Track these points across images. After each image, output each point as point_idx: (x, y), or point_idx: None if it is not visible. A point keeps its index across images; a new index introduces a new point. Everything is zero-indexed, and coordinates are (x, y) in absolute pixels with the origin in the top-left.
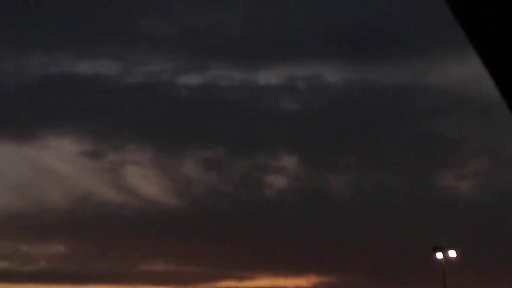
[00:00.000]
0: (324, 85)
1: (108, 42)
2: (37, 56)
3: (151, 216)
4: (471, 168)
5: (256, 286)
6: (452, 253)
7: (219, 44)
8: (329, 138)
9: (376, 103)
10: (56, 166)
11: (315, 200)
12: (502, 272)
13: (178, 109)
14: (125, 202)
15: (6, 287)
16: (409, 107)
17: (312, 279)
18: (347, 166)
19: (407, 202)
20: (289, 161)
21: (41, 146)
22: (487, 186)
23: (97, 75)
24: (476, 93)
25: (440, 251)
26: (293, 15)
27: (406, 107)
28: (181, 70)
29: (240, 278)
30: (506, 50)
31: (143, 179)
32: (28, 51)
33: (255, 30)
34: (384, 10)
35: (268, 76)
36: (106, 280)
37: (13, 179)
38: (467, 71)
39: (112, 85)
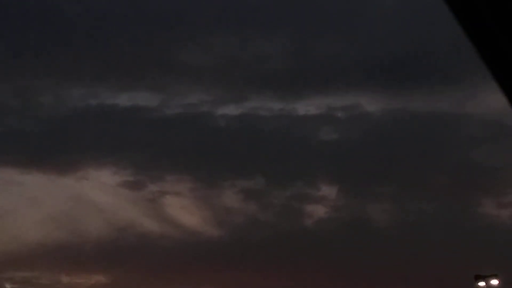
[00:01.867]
0: (363, 115)
1: (147, 74)
2: (77, 88)
3: (191, 246)
4: None
5: None
6: (494, 282)
7: (257, 75)
8: (368, 167)
9: (415, 132)
10: (96, 197)
11: (355, 229)
12: None
13: (217, 139)
14: (165, 233)
15: None
16: (448, 135)
17: None
18: (387, 195)
19: (448, 231)
20: (328, 191)
21: (81, 178)
22: None
23: (137, 107)
24: None
25: (482, 280)
26: (331, 45)
27: (445, 136)
28: (220, 101)
29: None
30: None
31: (183, 209)
32: (68, 84)
33: (294, 60)
34: (422, 39)
35: (307, 106)
36: None
37: (53, 210)
38: (506, 99)
39: (152, 116)
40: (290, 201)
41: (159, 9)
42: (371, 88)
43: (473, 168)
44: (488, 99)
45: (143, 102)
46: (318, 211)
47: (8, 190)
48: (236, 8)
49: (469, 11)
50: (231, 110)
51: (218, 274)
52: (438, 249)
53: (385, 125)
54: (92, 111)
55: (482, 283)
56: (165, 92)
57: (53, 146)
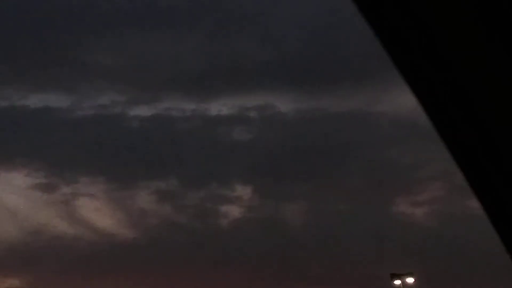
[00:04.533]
0: (276, 115)
1: (58, 75)
2: None
3: (105, 248)
4: (426, 195)
5: None
6: (410, 280)
7: (170, 76)
8: (283, 167)
9: (329, 132)
10: (8, 200)
11: (270, 229)
12: None
13: (130, 141)
14: (78, 235)
15: None
16: (362, 135)
17: None
18: (302, 195)
19: (363, 230)
20: (243, 191)
21: None
22: (442, 212)
23: (48, 108)
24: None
25: (398, 278)
26: (244, 46)
27: (359, 135)
28: (133, 102)
29: None
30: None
31: (97, 211)
32: None
33: (206, 61)
34: (333, 38)
35: (220, 107)
36: None
37: None
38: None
39: (63, 118)
40: (204, 202)
41: (69, 10)
42: (284, 88)
43: (386, 167)
44: (400, 98)
45: (55, 103)
46: (233, 211)
47: None
48: (148, 9)
49: (374, 8)
50: (144, 111)
51: (132, 275)
52: (353, 248)
53: (298, 125)
54: (2, 112)
55: (397, 282)
56: (76, 93)
57: None
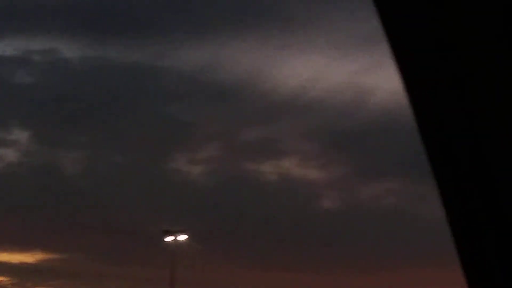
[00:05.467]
0: (61, 60)
1: None
2: None
3: None
4: (204, 153)
5: None
6: (182, 237)
7: None
8: (63, 114)
9: (112, 82)
10: None
11: (45, 176)
12: (231, 253)
13: None
14: None
15: None
16: (145, 88)
17: (38, 256)
18: (81, 144)
19: (139, 185)
20: (21, 135)
21: None
22: (218, 171)
23: None
24: (212, 78)
25: (170, 235)
26: None
27: (142, 88)
28: None
29: None
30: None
31: None
32: None
33: None
34: None
35: (4, 47)
36: None
37: None
38: (204, 56)
39: None
40: None
41: None
42: (70, 35)
43: (166, 122)
44: (186, 54)
45: None
46: (8, 155)
47: None
48: None
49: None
50: None
51: None
52: (129, 202)
53: (82, 73)
54: None
55: (170, 238)
56: None
57: None
